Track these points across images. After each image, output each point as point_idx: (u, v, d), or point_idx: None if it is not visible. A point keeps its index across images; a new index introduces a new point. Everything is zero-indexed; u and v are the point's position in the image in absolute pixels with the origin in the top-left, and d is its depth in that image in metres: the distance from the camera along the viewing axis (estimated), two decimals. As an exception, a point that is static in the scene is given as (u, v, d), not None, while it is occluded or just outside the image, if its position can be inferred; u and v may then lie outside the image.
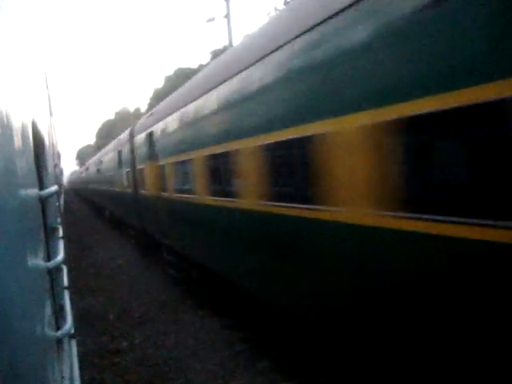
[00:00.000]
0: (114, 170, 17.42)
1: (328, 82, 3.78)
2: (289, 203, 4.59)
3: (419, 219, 2.89)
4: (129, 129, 14.28)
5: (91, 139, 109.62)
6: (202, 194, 6.92)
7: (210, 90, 6.44)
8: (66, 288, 3.04)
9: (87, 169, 35.67)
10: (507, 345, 2.50)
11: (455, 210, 2.66)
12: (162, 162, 9.39)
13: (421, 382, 3.29)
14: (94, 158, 31.21)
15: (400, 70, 3.03)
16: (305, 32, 4.14)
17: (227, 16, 18.82)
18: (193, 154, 7.21)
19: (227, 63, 6.48)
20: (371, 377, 3.95)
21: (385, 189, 3.19)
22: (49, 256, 2.24)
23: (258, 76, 5.11)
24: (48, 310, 1.70)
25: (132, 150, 12.95)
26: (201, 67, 33.54)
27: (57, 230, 3.23)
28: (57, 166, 8.84)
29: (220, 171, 6.39)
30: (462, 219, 2.58)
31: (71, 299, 3.14)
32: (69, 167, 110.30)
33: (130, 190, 13.69)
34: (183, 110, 7.74)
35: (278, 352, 5.88)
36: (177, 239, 9.08)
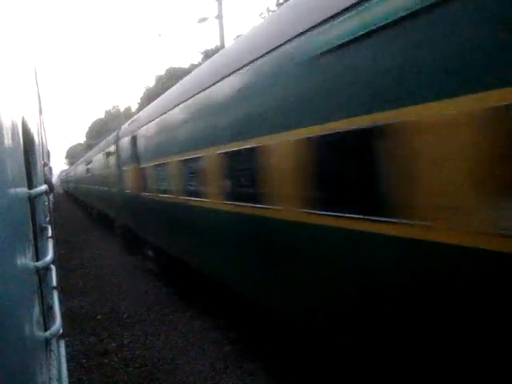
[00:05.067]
0: (76, 176, 43.90)
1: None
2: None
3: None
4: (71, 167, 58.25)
5: (81, 138, 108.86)
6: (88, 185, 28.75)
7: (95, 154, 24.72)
8: (54, 288, 3.01)
9: (71, 170, 58.84)
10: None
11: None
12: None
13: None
14: (70, 169, 60.40)
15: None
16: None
17: (219, 16, 18.77)
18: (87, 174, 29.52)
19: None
20: (362, 377, 3.96)
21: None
22: (37, 256, 2.22)
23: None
24: (36, 310, 1.68)
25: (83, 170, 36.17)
26: (192, 67, 33.41)
27: (46, 229, 3.20)
28: (46, 164, 8.76)
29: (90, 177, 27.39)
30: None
31: (60, 299, 3.11)
32: (58, 166, 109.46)
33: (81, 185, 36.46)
34: (84, 164, 32.31)
35: (267, 353, 5.88)
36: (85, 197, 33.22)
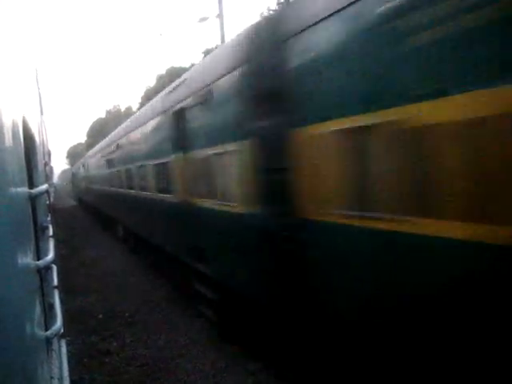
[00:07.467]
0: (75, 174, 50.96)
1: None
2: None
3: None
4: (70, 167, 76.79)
5: (82, 138, 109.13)
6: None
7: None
8: (55, 287, 3.02)
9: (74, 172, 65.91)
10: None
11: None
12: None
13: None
14: (72, 168, 66.13)
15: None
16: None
17: (220, 16, 18.76)
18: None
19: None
20: (363, 377, 3.96)
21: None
22: (38, 255, 2.22)
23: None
24: (37, 310, 1.69)
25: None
26: (193, 66, 33.32)
27: (47, 228, 3.20)
28: (47, 164, 8.78)
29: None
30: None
31: (61, 299, 3.12)
32: (59, 166, 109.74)
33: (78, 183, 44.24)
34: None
35: (269, 353, 5.88)
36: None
